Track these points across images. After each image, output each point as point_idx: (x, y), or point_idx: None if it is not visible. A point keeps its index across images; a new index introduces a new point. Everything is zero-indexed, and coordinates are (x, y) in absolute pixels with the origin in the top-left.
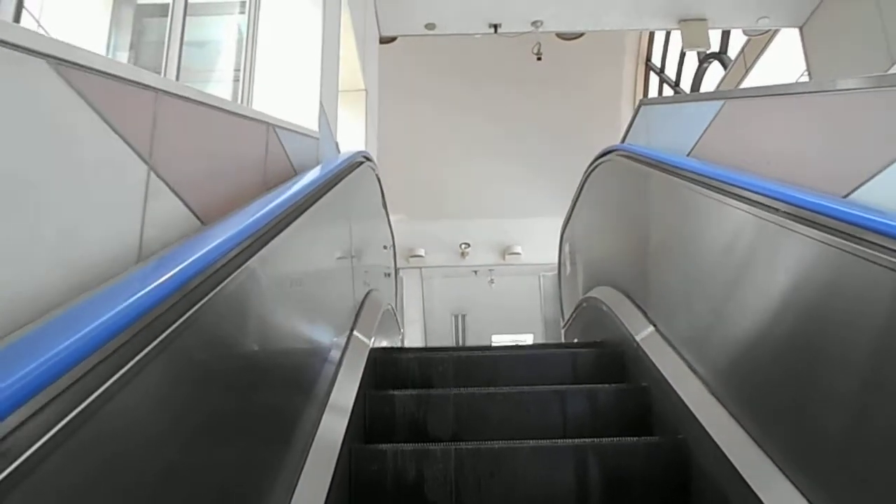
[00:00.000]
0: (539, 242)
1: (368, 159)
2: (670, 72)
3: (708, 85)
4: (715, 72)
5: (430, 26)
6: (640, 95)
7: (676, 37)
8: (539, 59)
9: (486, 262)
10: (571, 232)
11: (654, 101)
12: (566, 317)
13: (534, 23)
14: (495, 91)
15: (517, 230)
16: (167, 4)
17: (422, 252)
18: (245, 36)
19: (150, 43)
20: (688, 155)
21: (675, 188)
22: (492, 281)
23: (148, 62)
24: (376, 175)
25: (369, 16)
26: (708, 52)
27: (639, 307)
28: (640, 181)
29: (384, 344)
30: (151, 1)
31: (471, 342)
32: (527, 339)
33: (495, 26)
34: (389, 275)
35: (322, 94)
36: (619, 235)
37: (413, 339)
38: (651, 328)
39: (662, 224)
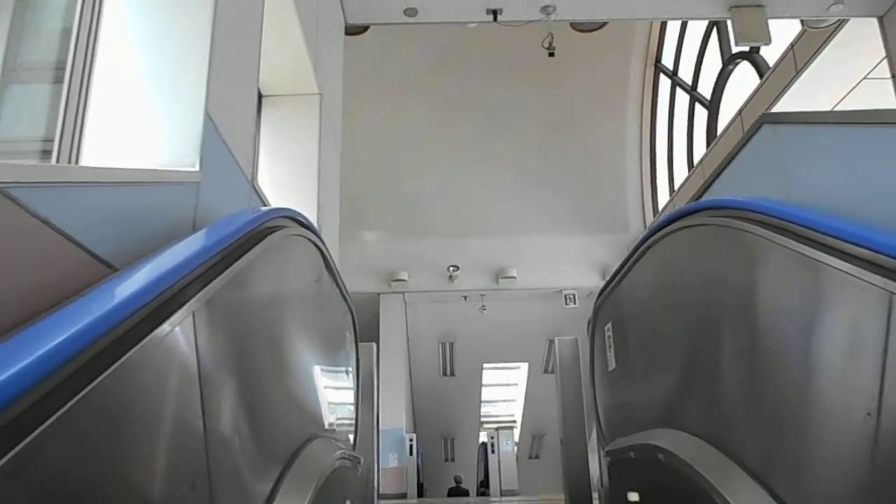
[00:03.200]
0: (537, 264)
1: (301, 224)
2: (684, 74)
3: (735, 91)
4: (743, 75)
5: (410, 12)
6: (647, 101)
7: (692, 33)
8: (552, 54)
9: (478, 287)
10: (617, 311)
11: (801, 119)
12: (606, 446)
13: (544, 8)
14: (487, 93)
15: (512, 250)
16: None
17: (405, 275)
18: (79, 16)
19: None
20: None
21: None
22: (483, 308)
23: None
24: (320, 251)
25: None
26: (754, 45)
27: (767, 488)
28: (807, 276)
29: None
30: None
31: (459, 371)
32: (521, 368)
33: (494, 12)
34: (352, 406)
35: (212, 106)
36: (730, 358)
37: (397, 372)
38: None
39: (858, 360)
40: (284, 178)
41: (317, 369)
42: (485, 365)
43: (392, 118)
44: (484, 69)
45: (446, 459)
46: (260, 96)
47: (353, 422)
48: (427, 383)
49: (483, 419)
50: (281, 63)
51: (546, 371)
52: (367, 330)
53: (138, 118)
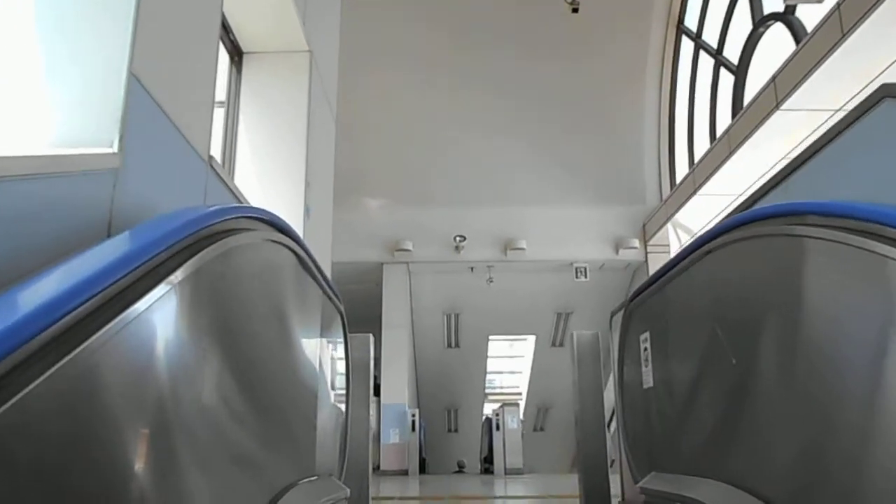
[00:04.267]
0: (547, 236)
1: (269, 224)
2: (709, 37)
3: (766, 56)
4: (776, 37)
5: None
6: (668, 66)
7: None
8: (575, 10)
9: (485, 258)
10: (659, 321)
11: None
12: (637, 476)
13: None
14: (499, 60)
15: (522, 221)
16: None
17: (409, 245)
18: None
19: None
20: None
21: None
22: (490, 280)
23: None
24: (295, 255)
25: None
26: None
27: None
28: None
29: None
30: None
31: (464, 343)
32: (528, 341)
33: None
34: (340, 426)
35: (140, 62)
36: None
37: (400, 345)
38: None
39: None
40: (268, 152)
41: (294, 397)
42: (490, 337)
43: (402, 85)
44: (496, 35)
45: (450, 430)
46: (241, 53)
47: (341, 444)
48: (431, 355)
49: (488, 391)
50: (261, 13)
51: (554, 344)
52: (369, 301)
53: (24, 79)
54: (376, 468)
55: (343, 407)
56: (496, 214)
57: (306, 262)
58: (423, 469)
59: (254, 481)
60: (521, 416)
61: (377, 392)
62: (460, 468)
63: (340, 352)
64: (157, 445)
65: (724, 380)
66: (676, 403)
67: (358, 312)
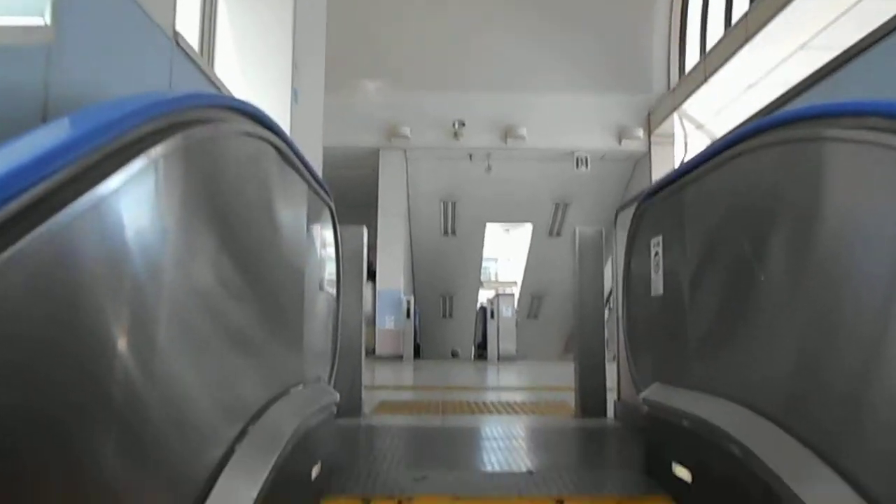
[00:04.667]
0: (548, 123)
1: (244, 114)
2: None
3: None
4: None
5: None
6: None
7: None
8: None
9: (484, 145)
10: (674, 225)
11: None
12: (640, 386)
13: None
14: None
15: (523, 108)
16: None
17: (407, 131)
18: None
19: None
20: None
21: None
22: (489, 168)
23: None
24: (276, 148)
25: None
26: None
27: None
28: None
29: None
30: None
31: (461, 231)
32: (525, 229)
33: None
34: (330, 327)
35: None
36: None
37: (395, 232)
38: None
39: None
40: (251, 31)
41: (278, 302)
42: (487, 224)
43: None
44: None
45: (444, 316)
46: None
47: (331, 345)
48: (427, 242)
49: (483, 279)
50: None
51: (551, 234)
52: (366, 187)
53: None
54: (371, 352)
55: (333, 306)
56: (497, 100)
57: (289, 157)
58: (417, 354)
59: (233, 396)
60: (516, 305)
61: (372, 277)
62: (454, 355)
63: (330, 249)
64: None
65: (746, 296)
66: (688, 315)
67: (354, 198)
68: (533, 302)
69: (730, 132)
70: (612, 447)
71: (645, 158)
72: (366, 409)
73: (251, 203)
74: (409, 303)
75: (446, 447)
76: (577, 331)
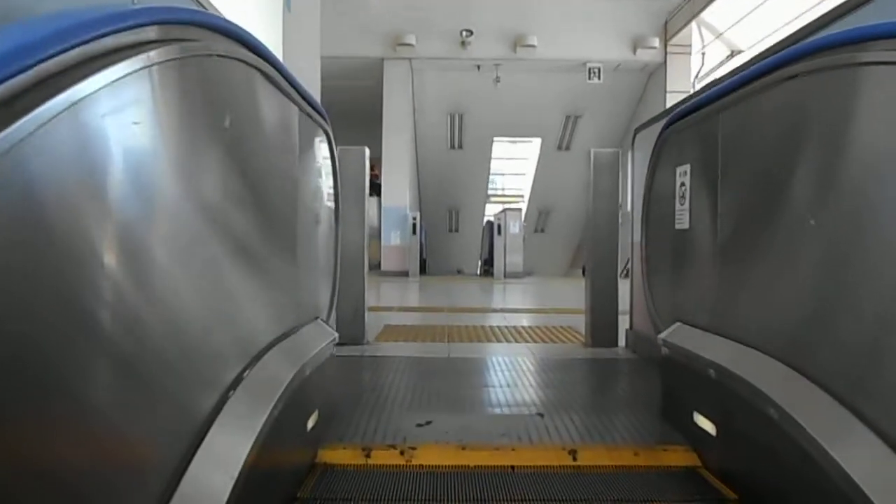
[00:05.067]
0: (560, 32)
1: (226, 36)
2: None
3: None
4: None
5: None
6: None
7: None
8: None
9: (492, 56)
10: (707, 152)
11: None
12: (660, 324)
13: None
14: None
15: (533, 16)
16: None
17: (412, 40)
18: None
19: None
20: None
21: None
22: (498, 79)
23: None
24: (260, 71)
25: None
26: None
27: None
28: None
29: None
30: None
31: (468, 144)
32: (534, 143)
33: None
34: (329, 258)
35: None
36: None
37: (401, 146)
38: None
39: None
40: None
41: (269, 240)
42: (495, 138)
43: None
44: None
45: (451, 230)
46: None
47: (330, 277)
48: (433, 156)
49: (490, 193)
50: None
51: (560, 148)
52: (370, 98)
53: None
54: (377, 267)
55: (332, 236)
56: (506, 8)
57: (275, 80)
58: (423, 270)
59: (226, 341)
60: (524, 220)
61: (378, 192)
62: (459, 273)
63: (327, 176)
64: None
65: (789, 239)
66: (719, 254)
67: (357, 111)
68: (540, 216)
69: (777, 48)
70: (625, 385)
71: (660, 69)
72: (370, 335)
73: (231, 131)
74: (414, 219)
75: (452, 384)
76: (590, 257)
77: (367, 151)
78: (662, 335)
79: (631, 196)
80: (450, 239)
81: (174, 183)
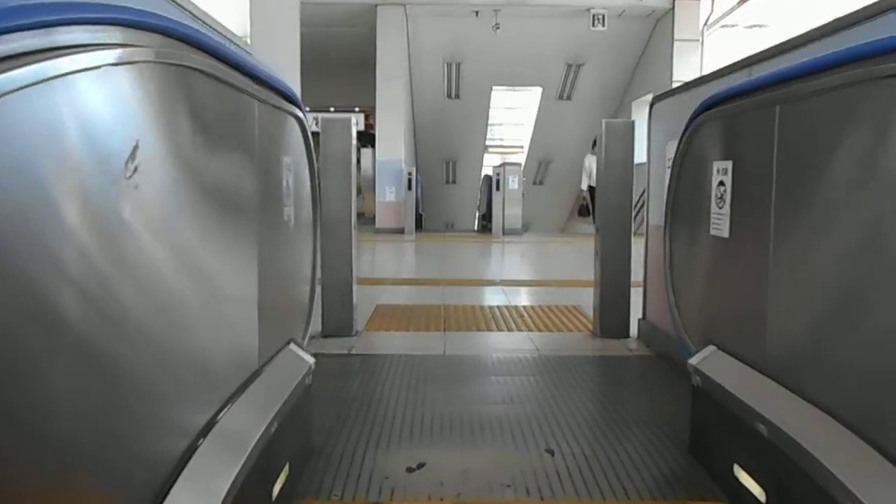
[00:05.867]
0: None
1: (150, 29)
2: None
3: None
4: None
5: None
6: None
7: None
8: None
9: (492, 1)
10: (758, 149)
11: None
12: (690, 342)
13: None
14: None
15: None
16: None
17: None
18: None
19: None
20: None
21: None
22: (497, 26)
23: None
24: (210, 76)
25: None
26: None
27: None
28: None
29: None
30: None
31: (465, 94)
32: (533, 92)
33: None
34: (307, 271)
35: None
36: None
37: (395, 95)
38: None
39: None
40: None
41: (220, 272)
42: (494, 87)
43: None
44: None
45: (448, 182)
46: None
47: (308, 285)
48: (430, 105)
49: (488, 143)
50: None
51: (561, 97)
52: (362, 46)
53: None
54: (371, 221)
55: (308, 237)
56: None
57: (222, 77)
58: (419, 226)
59: (165, 405)
60: (522, 175)
61: (373, 143)
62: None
63: (302, 169)
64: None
65: (874, 270)
66: (771, 274)
67: (350, 60)
68: (540, 167)
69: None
70: (644, 399)
71: (667, 16)
72: (361, 316)
73: (157, 145)
74: (410, 174)
75: (448, 398)
76: (600, 239)
77: (354, 121)
78: (694, 361)
79: (647, 171)
80: (447, 191)
81: (90, 205)
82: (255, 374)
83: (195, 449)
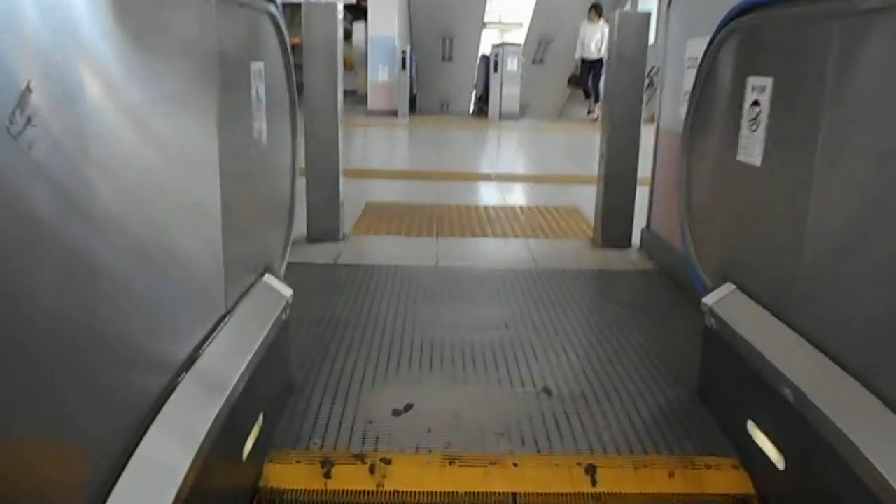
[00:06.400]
0: None
1: None
2: None
3: None
4: None
5: None
6: None
7: None
8: None
9: None
10: (803, 66)
11: None
12: (706, 281)
13: None
14: None
15: None
16: None
17: None
18: None
19: None
20: None
21: None
22: None
23: None
24: None
25: None
26: None
27: None
28: None
29: None
30: None
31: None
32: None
33: None
34: (286, 184)
35: None
36: None
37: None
38: None
39: None
40: None
41: (175, 183)
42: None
43: None
44: None
45: (443, 59)
46: None
47: (286, 202)
48: None
49: (487, 20)
50: None
51: None
52: None
53: None
54: (363, 102)
55: (285, 146)
56: None
57: None
58: (413, 107)
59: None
60: (522, 54)
61: (365, 17)
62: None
63: (277, 67)
64: None
65: None
66: (810, 211)
67: None
68: (539, 46)
69: None
70: (649, 323)
71: None
72: (350, 211)
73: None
74: (404, 53)
75: (440, 319)
76: (606, 143)
77: (340, 6)
78: (709, 301)
79: (662, 72)
80: (442, 68)
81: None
82: (221, 320)
83: (149, 424)
